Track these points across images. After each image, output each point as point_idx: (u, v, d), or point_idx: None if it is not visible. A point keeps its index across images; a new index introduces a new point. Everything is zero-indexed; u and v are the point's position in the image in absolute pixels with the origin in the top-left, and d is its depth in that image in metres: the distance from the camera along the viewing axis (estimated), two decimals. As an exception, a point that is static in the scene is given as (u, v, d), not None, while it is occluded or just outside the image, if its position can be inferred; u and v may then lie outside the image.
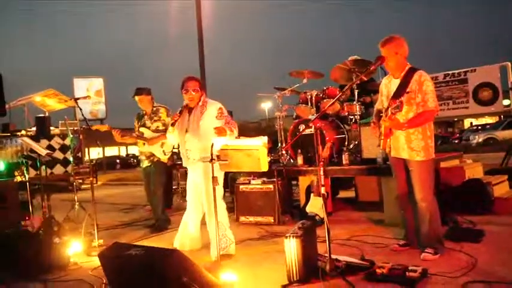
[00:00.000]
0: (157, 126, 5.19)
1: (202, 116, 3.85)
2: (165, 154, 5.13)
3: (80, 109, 5.02)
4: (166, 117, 5.21)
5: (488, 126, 24.88)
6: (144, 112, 5.31)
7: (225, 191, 7.65)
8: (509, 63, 7.62)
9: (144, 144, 5.16)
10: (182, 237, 4.19)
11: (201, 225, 4.17)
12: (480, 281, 2.78)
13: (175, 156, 5.73)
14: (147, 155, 5.24)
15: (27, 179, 5.63)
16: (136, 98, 5.24)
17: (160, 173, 5.23)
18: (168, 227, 5.26)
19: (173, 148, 5.30)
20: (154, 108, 5.26)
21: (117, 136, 4.92)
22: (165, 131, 4.81)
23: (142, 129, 5.21)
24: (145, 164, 5.29)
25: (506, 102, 8.26)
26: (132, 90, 5.32)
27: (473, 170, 5.55)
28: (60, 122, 12.99)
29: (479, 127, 26.48)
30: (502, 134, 20.31)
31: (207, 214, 3.87)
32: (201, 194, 3.98)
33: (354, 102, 5.59)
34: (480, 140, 21.36)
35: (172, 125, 3.86)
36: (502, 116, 23.35)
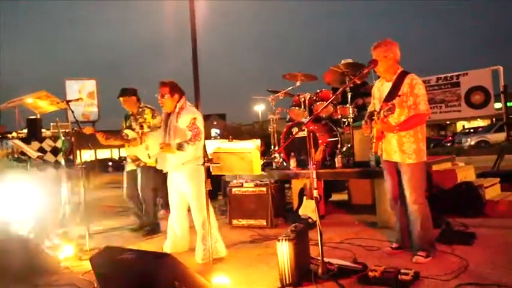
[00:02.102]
0: None
1: (177, 123, 3.87)
2: (149, 157, 4.95)
3: (72, 111, 4.95)
4: (151, 118, 5.05)
5: (480, 129, 25.09)
6: (130, 113, 5.20)
7: (217, 194, 7.71)
8: (501, 67, 7.70)
9: (128, 146, 5.04)
10: (171, 241, 4.19)
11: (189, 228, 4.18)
12: (472, 283, 2.79)
13: None
14: (132, 159, 5.12)
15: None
16: (121, 99, 5.10)
17: (148, 179, 5.08)
18: (160, 230, 5.22)
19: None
20: (140, 109, 5.12)
21: (101, 139, 4.86)
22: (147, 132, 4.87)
23: (126, 131, 5.08)
24: (130, 167, 5.18)
25: (498, 105, 8.34)
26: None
27: (465, 172, 5.59)
28: (51, 124, 12.87)
29: (472, 130, 26.69)
30: (493, 137, 20.48)
31: (194, 215, 3.90)
32: (183, 196, 3.99)
33: (347, 105, 5.61)
34: (472, 142, 21.58)
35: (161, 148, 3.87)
36: (493, 119, 23.61)
